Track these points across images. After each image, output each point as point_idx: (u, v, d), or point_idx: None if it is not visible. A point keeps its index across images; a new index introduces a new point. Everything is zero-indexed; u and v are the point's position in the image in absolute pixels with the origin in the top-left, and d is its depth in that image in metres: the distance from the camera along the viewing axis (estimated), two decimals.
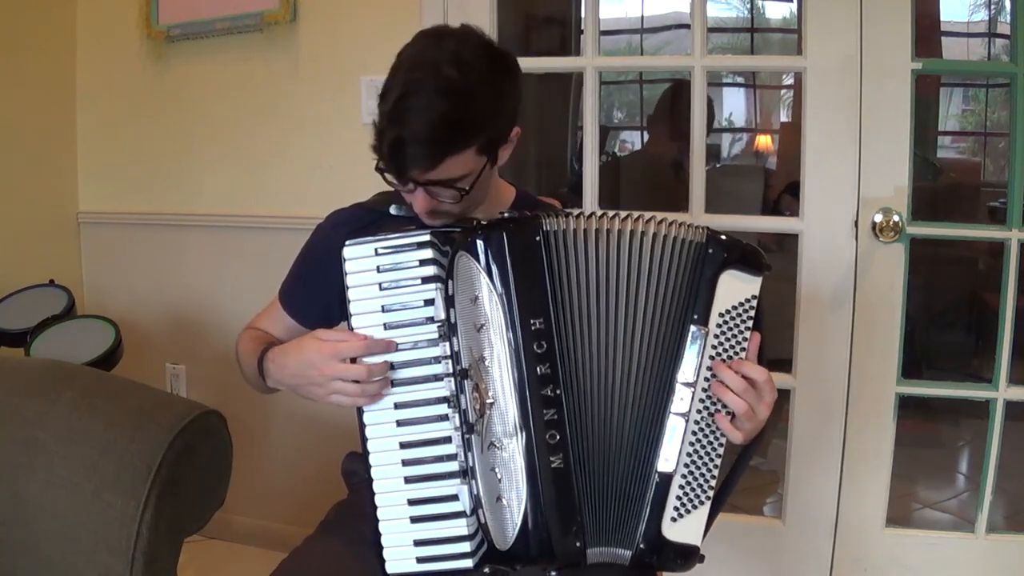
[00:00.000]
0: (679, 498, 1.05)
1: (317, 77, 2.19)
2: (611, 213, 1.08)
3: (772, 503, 2.49)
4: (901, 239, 1.83)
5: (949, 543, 1.96)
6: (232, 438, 1.32)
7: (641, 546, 1.05)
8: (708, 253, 1.05)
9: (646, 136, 4.54)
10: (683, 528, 1.05)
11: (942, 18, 4.50)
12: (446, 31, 1.13)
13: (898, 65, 1.80)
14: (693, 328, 1.04)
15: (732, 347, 1.05)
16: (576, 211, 1.09)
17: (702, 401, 1.05)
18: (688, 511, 1.05)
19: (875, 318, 1.87)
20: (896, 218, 1.81)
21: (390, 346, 1.06)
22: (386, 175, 1.11)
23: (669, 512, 1.05)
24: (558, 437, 1.02)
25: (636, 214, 1.08)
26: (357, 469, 1.30)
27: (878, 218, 1.82)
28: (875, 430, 1.91)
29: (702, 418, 1.05)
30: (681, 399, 1.05)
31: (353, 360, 1.06)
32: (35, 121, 2.39)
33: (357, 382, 1.06)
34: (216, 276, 2.35)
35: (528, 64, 2.67)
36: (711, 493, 1.06)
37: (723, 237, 1.07)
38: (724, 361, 1.05)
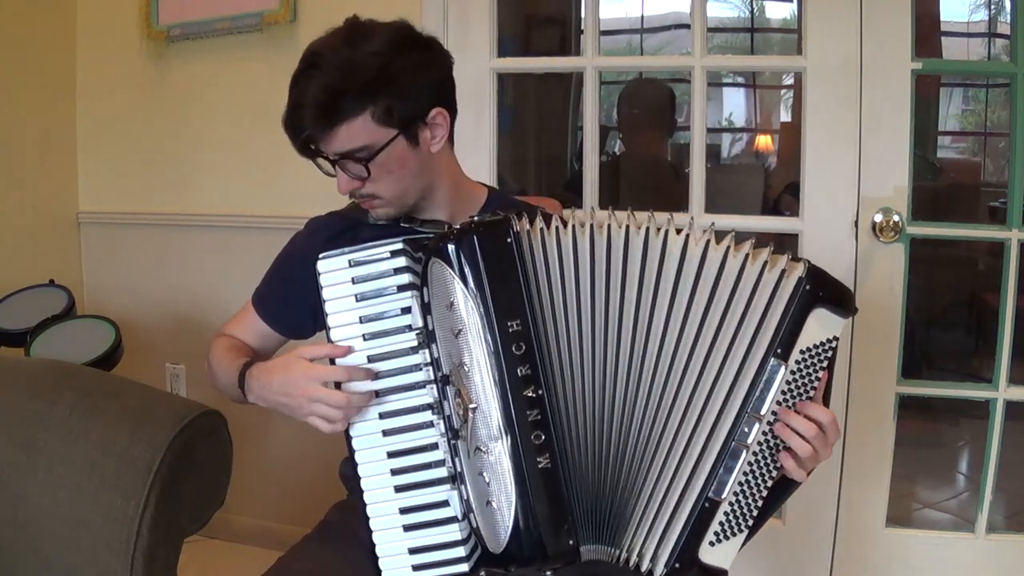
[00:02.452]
0: (722, 523, 1.04)
1: None
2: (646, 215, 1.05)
3: None
4: (901, 239, 1.83)
5: (949, 543, 1.96)
6: (232, 438, 1.32)
7: (676, 565, 1.04)
8: (806, 289, 1.02)
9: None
10: (719, 553, 1.05)
11: (942, 18, 4.50)
12: (366, 22, 1.17)
13: (898, 65, 1.80)
14: (773, 361, 1.02)
15: (804, 385, 1.03)
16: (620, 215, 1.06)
17: (765, 434, 1.03)
18: (727, 537, 1.04)
19: (875, 318, 1.87)
20: (896, 218, 1.81)
21: (370, 374, 1.06)
22: (317, 161, 1.16)
23: (709, 536, 1.04)
24: (543, 437, 1.02)
25: (687, 225, 1.05)
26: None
27: (878, 218, 1.82)
28: (875, 430, 1.91)
29: (761, 450, 1.03)
30: (746, 430, 1.03)
31: (337, 385, 1.06)
32: (35, 121, 2.39)
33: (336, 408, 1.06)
34: (216, 276, 2.35)
35: (528, 64, 2.69)
36: (751, 522, 1.05)
37: (822, 273, 1.03)
38: (790, 406, 1.03)
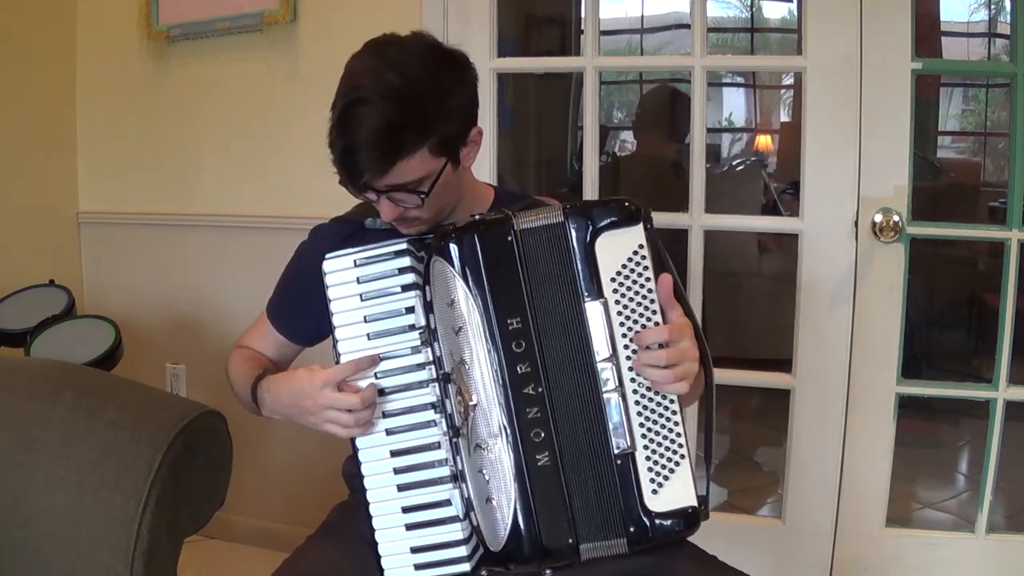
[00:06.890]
0: (651, 469, 1.02)
1: (317, 77, 2.18)
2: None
3: (772, 503, 2.48)
4: (901, 239, 1.83)
5: (949, 543, 1.96)
6: (232, 438, 1.32)
7: (631, 530, 1.03)
8: (571, 229, 1.03)
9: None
10: (668, 495, 1.02)
11: (942, 18, 4.51)
12: (392, 39, 1.12)
13: (898, 65, 1.80)
14: (588, 304, 1.02)
15: (639, 304, 1.03)
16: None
17: (631, 370, 1.03)
18: (667, 477, 1.02)
19: (875, 318, 1.87)
20: (896, 218, 1.81)
21: (375, 360, 1.06)
22: (350, 188, 1.11)
23: (647, 486, 1.02)
24: (543, 435, 1.02)
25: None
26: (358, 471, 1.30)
27: (878, 218, 1.82)
28: (875, 430, 1.91)
29: (639, 385, 1.03)
30: (607, 378, 1.02)
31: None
32: (35, 121, 2.39)
33: (350, 411, 1.06)
34: (216, 276, 2.35)
35: (528, 64, 2.70)
36: (684, 451, 1.03)
37: (581, 206, 1.04)
38: (638, 330, 1.03)
